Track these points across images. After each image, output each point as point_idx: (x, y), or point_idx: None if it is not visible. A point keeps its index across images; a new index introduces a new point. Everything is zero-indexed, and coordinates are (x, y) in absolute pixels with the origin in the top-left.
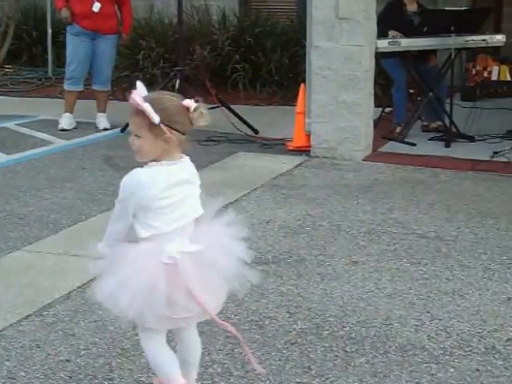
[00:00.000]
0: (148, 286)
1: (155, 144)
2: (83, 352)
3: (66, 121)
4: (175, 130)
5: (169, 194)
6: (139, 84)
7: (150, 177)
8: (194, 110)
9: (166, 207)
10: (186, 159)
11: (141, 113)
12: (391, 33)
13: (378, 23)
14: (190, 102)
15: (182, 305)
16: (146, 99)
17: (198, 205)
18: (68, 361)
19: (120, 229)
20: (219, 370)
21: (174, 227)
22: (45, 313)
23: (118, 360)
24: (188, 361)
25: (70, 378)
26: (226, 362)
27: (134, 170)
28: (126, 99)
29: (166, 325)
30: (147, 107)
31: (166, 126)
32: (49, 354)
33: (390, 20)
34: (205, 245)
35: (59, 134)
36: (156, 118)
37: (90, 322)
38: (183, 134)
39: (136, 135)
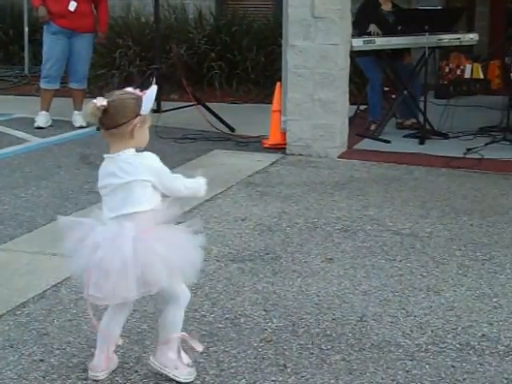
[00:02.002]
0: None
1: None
2: (57, 352)
3: (41, 119)
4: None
5: (101, 184)
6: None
7: (101, 167)
8: None
9: (103, 196)
10: (122, 155)
11: None
12: (372, 27)
13: (355, 23)
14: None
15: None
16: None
17: (132, 202)
18: (42, 360)
19: None
20: (194, 368)
21: (110, 216)
22: (18, 312)
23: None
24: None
25: (44, 378)
26: (202, 360)
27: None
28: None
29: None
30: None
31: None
32: (22, 354)
33: (365, 19)
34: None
35: (35, 132)
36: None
37: (64, 322)
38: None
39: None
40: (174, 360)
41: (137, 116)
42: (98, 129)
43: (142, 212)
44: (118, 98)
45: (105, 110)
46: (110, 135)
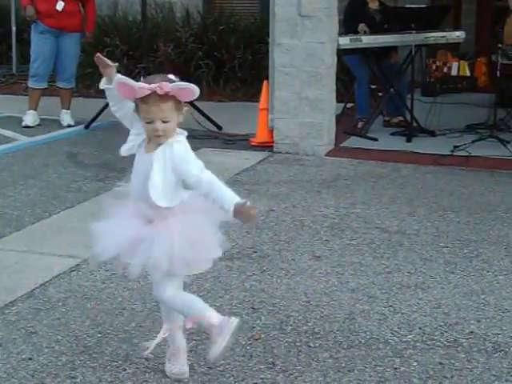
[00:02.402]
0: None
1: (177, 121)
2: (46, 350)
3: (29, 118)
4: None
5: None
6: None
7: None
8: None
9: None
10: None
11: (169, 98)
12: (361, 26)
13: (345, 21)
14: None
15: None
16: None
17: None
18: (30, 359)
19: None
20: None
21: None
22: (7, 311)
23: (81, 358)
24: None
25: (33, 376)
26: (190, 358)
27: (179, 141)
28: (90, 96)
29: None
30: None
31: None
32: (11, 353)
33: (353, 17)
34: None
35: (23, 131)
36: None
37: (53, 320)
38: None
39: (163, 121)
40: None
41: None
42: (86, 127)
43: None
44: None
45: None
46: None
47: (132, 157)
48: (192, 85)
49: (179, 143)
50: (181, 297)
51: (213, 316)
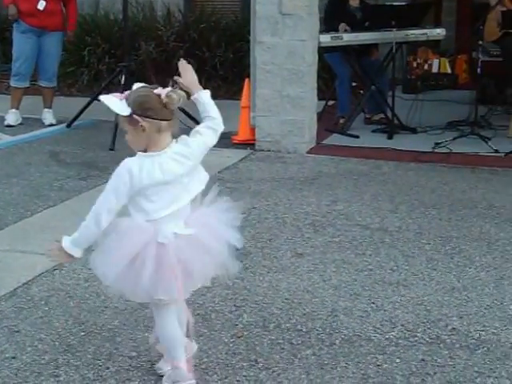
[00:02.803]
0: (136, 261)
1: (137, 135)
2: (29, 349)
3: (11, 117)
4: (148, 117)
5: (156, 181)
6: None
7: (136, 164)
8: (166, 96)
9: (156, 194)
10: (173, 144)
11: None
12: (342, 26)
13: (325, 19)
14: (160, 90)
15: (163, 287)
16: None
17: (194, 185)
18: (14, 358)
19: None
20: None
21: (168, 212)
22: None
23: (64, 356)
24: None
25: (16, 375)
26: None
27: (125, 159)
28: (71, 95)
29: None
30: (111, 104)
31: (139, 115)
32: None
33: (334, 15)
34: (199, 229)
35: (5, 130)
36: (124, 111)
37: (36, 319)
38: (161, 120)
39: (124, 130)
40: None
41: None
42: (67, 126)
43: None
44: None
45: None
46: (169, 126)
47: (113, 155)
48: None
49: (123, 163)
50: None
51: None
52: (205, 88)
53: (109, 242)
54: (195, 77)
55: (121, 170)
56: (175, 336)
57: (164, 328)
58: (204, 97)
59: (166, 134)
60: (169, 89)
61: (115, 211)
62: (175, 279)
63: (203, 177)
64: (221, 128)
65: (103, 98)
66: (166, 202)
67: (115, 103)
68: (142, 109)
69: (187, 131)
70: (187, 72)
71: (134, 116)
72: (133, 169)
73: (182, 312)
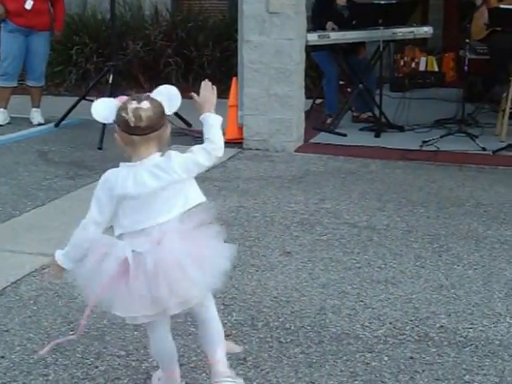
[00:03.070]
0: (109, 278)
1: (118, 145)
2: (18, 348)
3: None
4: (120, 129)
5: (128, 192)
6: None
7: (114, 174)
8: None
9: (131, 207)
10: (155, 156)
11: None
12: (329, 24)
13: (313, 17)
14: (121, 99)
15: (119, 303)
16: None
17: (176, 203)
18: (2, 357)
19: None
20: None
21: (141, 227)
22: None
23: (53, 356)
24: (207, 339)
25: (5, 374)
26: None
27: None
28: (59, 94)
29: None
30: (95, 112)
31: (116, 125)
32: None
33: (321, 13)
34: (175, 248)
35: None
36: (106, 119)
37: (25, 318)
38: (131, 134)
39: None
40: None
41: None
42: (56, 125)
43: (178, 216)
44: (151, 99)
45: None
46: (149, 140)
47: (101, 154)
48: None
49: (104, 174)
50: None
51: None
52: (193, 87)
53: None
54: (213, 99)
55: (100, 181)
56: (163, 352)
57: (151, 344)
58: (212, 119)
59: (145, 146)
60: (133, 106)
61: (103, 223)
62: (131, 296)
63: (193, 197)
64: (216, 153)
65: (95, 103)
66: (140, 216)
67: (100, 110)
68: (117, 119)
69: (175, 130)
70: (206, 92)
71: (116, 126)
72: (110, 178)
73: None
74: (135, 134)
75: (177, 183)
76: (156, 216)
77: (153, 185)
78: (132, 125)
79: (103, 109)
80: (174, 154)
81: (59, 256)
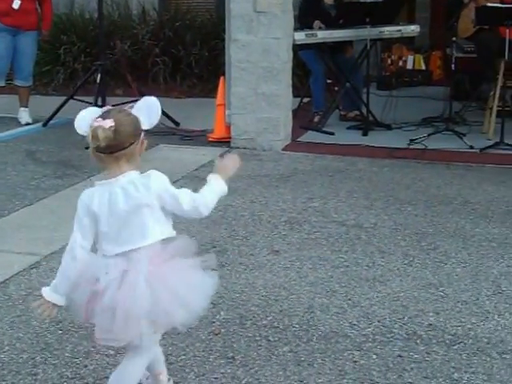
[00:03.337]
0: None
1: (91, 160)
2: (7, 348)
3: None
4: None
5: (101, 215)
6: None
7: (90, 195)
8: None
9: (103, 229)
10: (132, 174)
11: None
12: (316, 23)
13: (300, 16)
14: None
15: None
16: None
17: (150, 230)
18: None
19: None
20: None
21: (115, 252)
22: None
23: (42, 355)
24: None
25: None
26: None
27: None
28: (47, 94)
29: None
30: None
31: None
32: None
33: (309, 13)
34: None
35: None
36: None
37: (14, 318)
38: (97, 151)
39: None
40: None
41: (141, 132)
42: (44, 125)
43: (154, 243)
44: (119, 116)
45: (114, 131)
46: (116, 159)
47: (89, 154)
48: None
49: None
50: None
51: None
52: (180, 86)
53: None
54: (231, 171)
55: (78, 203)
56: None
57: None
58: (217, 184)
59: (115, 163)
60: (95, 124)
61: (88, 245)
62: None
63: (167, 231)
64: (201, 209)
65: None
66: (113, 240)
67: (79, 120)
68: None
69: (162, 129)
70: (229, 161)
71: None
72: (85, 199)
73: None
74: (100, 151)
75: (150, 208)
76: (128, 242)
77: (124, 206)
78: (90, 144)
79: (82, 119)
80: (155, 174)
81: (50, 294)
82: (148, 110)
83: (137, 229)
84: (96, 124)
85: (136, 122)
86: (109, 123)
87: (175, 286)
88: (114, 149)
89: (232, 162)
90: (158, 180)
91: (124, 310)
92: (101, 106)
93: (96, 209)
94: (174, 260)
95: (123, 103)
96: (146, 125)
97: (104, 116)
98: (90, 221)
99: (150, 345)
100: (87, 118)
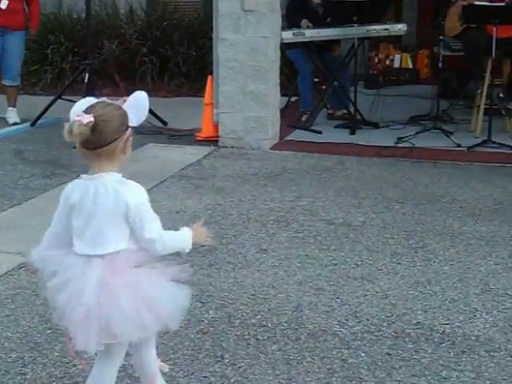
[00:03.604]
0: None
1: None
2: None
3: None
4: None
5: (75, 209)
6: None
7: (71, 186)
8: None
9: (74, 223)
10: (106, 177)
11: None
12: (304, 22)
13: (287, 15)
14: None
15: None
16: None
17: (108, 239)
18: None
19: None
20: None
21: (79, 251)
22: None
23: (31, 354)
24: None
25: None
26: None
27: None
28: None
29: None
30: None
31: None
32: None
33: (296, 11)
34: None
35: None
36: None
37: (2, 317)
38: (81, 146)
39: None
40: None
41: (127, 129)
42: (32, 125)
43: (114, 252)
44: (104, 111)
45: (93, 127)
46: (97, 155)
47: (77, 153)
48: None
49: None
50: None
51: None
52: (168, 85)
53: None
54: (203, 237)
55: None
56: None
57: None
58: (183, 236)
59: (97, 160)
60: (75, 118)
61: (56, 232)
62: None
63: (126, 243)
64: (159, 247)
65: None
66: (80, 239)
67: (72, 113)
68: None
69: (150, 128)
70: (204, 230)
71: None
72: (66, 189)
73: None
74: (83, 147)
75: (113, 216)
76: (88, 245)
77: (90, 207)
78: (66, 139)
79: (73, 112)
80: (132, 186)
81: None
82: (137, 106)
83: (96, 234)
84: (75, 118)
85: (123, 117)
86: (87, 119)
87: (128, 298)
88: (96, 145)
89: (205, 233)
90: (133, 194)
91: (70, 311)
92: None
93: (72, 201)
94: (135, 271)
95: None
96: (133, 121)
97: (88, 110)
98: (65, 212)
99: (116, 353)
100: (78, 110)
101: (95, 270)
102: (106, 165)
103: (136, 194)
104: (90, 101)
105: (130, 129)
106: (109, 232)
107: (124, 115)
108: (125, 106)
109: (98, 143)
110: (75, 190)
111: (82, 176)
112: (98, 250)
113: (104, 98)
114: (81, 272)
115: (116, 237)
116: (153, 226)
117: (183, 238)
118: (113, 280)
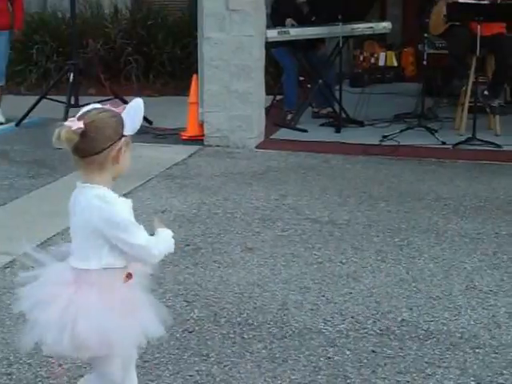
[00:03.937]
0: None
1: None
2: None
3: None
4: None
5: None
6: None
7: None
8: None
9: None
10: (94, 191)
11: None
12: (288, 21)
13: (272, 14)
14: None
15: None
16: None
17: (89, 255)
18: None
19: None
20: None
21: (70, 262)
22: None
23: (17, 355)
24: None
25: None
26: None
27: None
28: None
29: None
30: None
31: None
32: None
33: (281, 10)
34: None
35: None
36: None
37: None
38: (72, 153)
39: None
40: None
41: (121, 137)
42: (16, 125)
43: (89, 270)
44: (97, 118)
45: (82, 134)
46: (88, 163)
47: (62, 153)
48: None
49: None
50: None
51: None
52: (153, 85)
53: None
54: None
55: None
56: None
57: None
58: (164, 233)
59: (86, 169)
60: (65, 123)
61: None
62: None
63: (108, 260)
64: (155, 252)
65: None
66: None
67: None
68: None
69: (140, 132)
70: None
71: None
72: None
73: None
74: (74, 153)
75: (94, 234)
76: (76, 257)
77: (75, 219)
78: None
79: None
80: (113, 201)
81: None
82: (135, 115)
83: (76, 247)
84: (65, 123)
85: (117, 125)
86: (76, 125)
87: (96, 317)
88: (86, 152)
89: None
90: (111, 212)
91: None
92: (74, 106)
93: (68, 208)
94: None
95: (99, 102)
96: (129, 130)
97: (80, 116)
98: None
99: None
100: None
101: (68, 282)
102: (96, 174)
103: (117, 212)
104: (93, 107)
105: (124, 137)
106: (83, 246)
107: (119, 123)
108: (123, 114)
109: (88, 151)
110: (72, 196)
111: (77, 183)
112: (78, 263)
113: (107, 106)
114: (55, 281)
115: (92, 252)
116: (139, 234)
117: (168, 238)
118: (75, 297)
